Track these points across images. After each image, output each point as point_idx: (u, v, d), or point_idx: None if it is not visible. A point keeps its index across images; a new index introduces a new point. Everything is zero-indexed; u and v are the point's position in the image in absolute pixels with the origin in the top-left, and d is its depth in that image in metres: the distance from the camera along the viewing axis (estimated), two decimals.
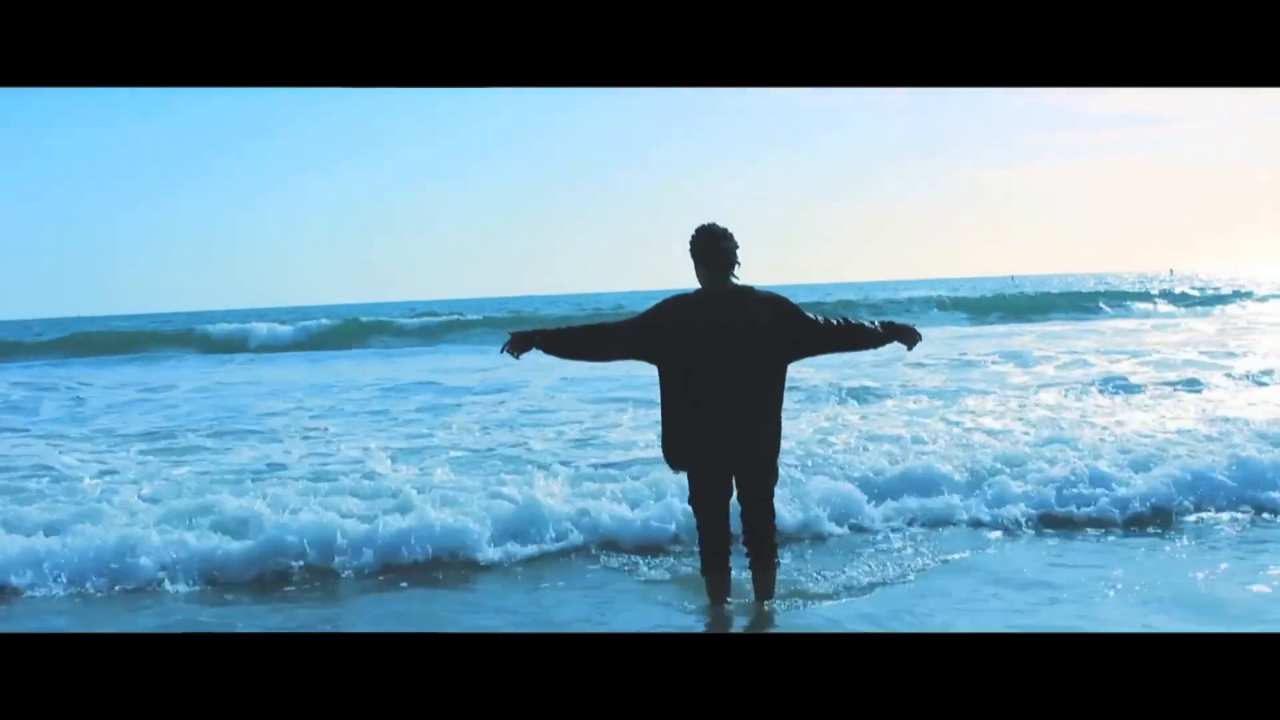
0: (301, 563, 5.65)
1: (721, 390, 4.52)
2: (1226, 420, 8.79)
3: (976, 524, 6.42)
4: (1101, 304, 36.28)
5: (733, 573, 4.87)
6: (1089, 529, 6.30)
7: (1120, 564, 5.46)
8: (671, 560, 5.80)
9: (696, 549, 4.92)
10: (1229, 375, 12.85)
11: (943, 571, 5.48)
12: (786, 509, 6.12)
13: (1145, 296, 39.50)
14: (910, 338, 4.81)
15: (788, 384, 4.71)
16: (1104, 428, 8.72)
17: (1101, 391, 11.55)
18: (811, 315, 4.70)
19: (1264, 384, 12.11)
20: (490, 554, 5.88)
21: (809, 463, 7.44)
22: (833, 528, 6.33)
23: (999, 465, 7.20)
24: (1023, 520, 6.39)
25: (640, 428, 9.54)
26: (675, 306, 4.62)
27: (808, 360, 4.90)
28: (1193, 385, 11.92)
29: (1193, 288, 44.70)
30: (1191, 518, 6.45)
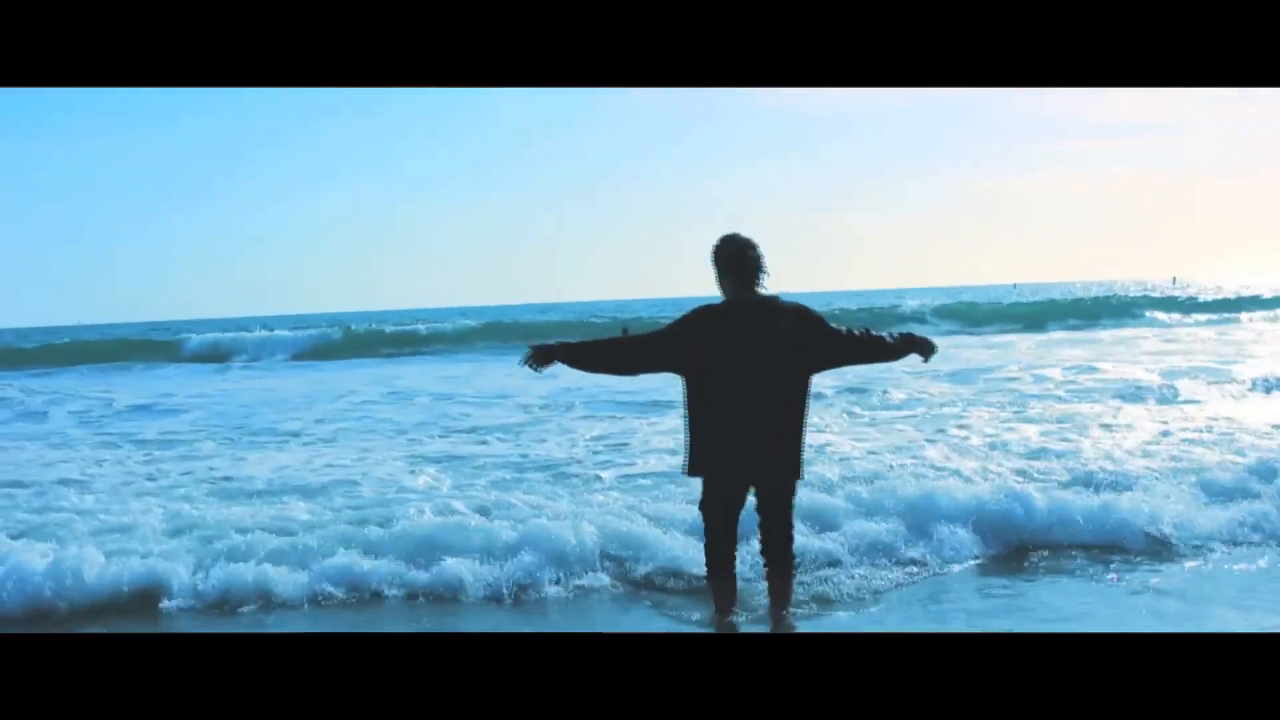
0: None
1: (747, 400, 4.50)
2: None
3: None
4: (1149, 312, 35.52)
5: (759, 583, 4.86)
6: None
7: None
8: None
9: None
10: None
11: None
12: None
13: (1189, 305, 38.18)
14: (927, 350, 4.80)
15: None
16: None
17: None
18: (835, 326, 4.69)
19: None
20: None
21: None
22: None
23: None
24: None
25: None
26: (702, 317, 4.59)
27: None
28: None
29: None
30: None
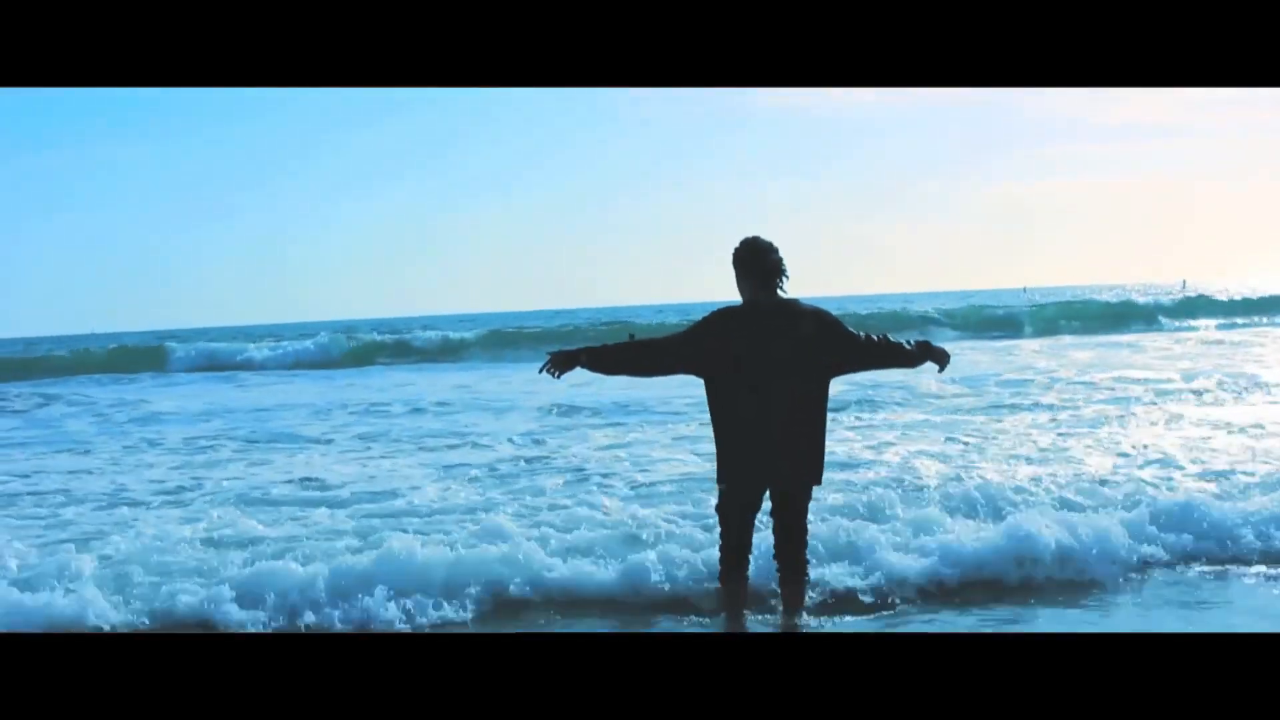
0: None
1: (768, 403, 4.48)
2: None
3: None
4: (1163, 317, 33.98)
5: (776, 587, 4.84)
6: None
7: None
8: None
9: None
10: None
11: None
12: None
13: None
14: (943, 359, 4.80)
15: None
16: None
17: None
18: (853, 330, 4.69)
19: None
20: None
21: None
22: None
23: None
24: None
25: None
26: (722, 320, 4.57)
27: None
28: None
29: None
30: None
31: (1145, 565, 5.47)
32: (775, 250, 4.62)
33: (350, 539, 6.03)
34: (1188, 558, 5.58)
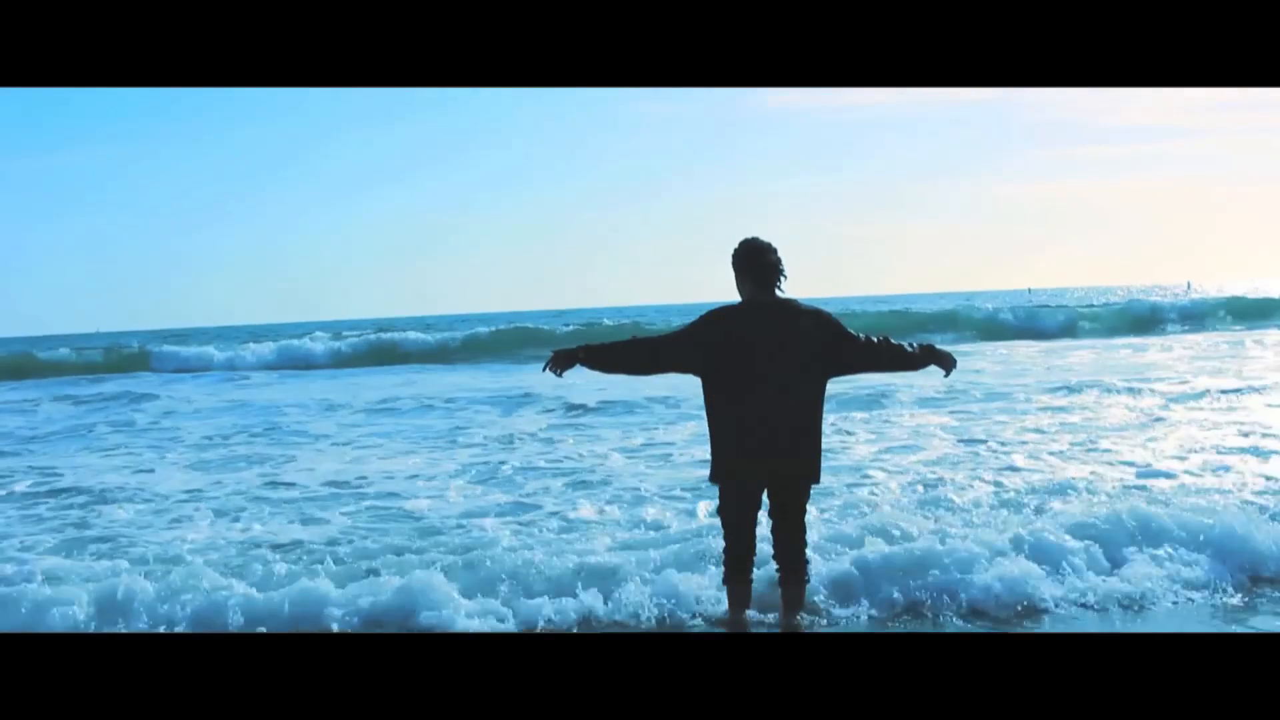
0: None
1: (762, 403, 4.49)
2: None
3: None
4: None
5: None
6: None
7: None
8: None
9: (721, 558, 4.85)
10: None
11: None
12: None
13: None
14: (948, 363, 4.79)
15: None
16: None
17: None
18: (853, 332, 4.69)
19: None
20: None
21: None
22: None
23: None
24: None
25: None
26: (719, 319, 4.59)
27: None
28: None
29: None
30: None
31: None
32: (773, 250, 4.64)
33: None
34: None
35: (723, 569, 4.81)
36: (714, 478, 4.71)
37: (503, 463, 9.24)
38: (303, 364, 28.08)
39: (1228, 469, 7.65)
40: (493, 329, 33.43)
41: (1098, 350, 22.21)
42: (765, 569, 4.89)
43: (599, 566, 5.31)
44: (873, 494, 7.12)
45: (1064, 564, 5.16)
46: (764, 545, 4.86)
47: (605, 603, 4.95)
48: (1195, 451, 8.48)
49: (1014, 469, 8.01)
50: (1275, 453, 8.33)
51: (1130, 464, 8.06)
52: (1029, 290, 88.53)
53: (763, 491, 4.69)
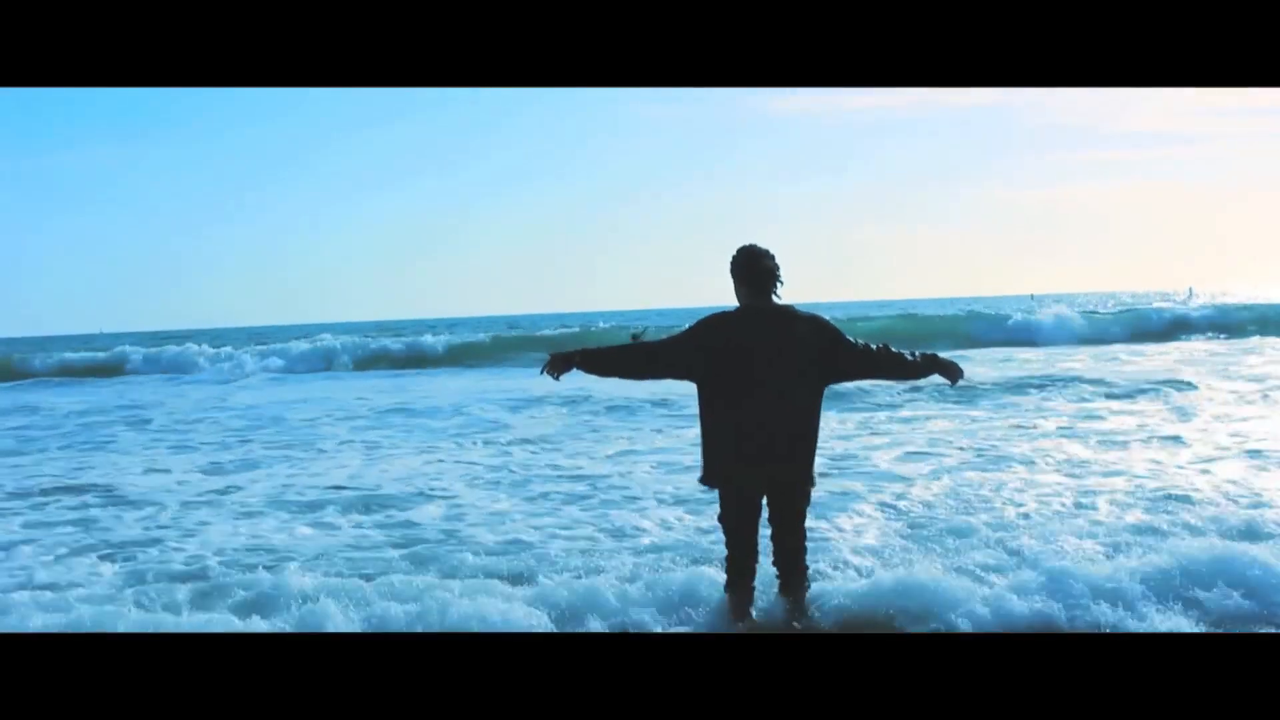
0: None
1: (759, 409, 4.49)
2: None
3: None
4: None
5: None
6: None
7: None
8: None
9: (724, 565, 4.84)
10: None
11: None
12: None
13: None
14: (953, 374, 4.77)
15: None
16: None
17: None
18: (852, 339, 4.68)
19: None
20: None
21: None
22: None
23: None
24: None
25: None
26: (716, 325, 4.59)
27: None
28: None
29: None
30: None
31: None
32: (770, 256, 4.63)
33: None
34: None
35: (725, 574, 4.80)
36: (704, 480, 4.71)
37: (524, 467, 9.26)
38: (318, 367, 28.13)
39: None
40: (491, 335, 33.49)
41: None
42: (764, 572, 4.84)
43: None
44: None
45: None
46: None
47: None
48: None
49: None
50: None
51: None
52: (1032, 296, 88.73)
53: (762, 497, 4.69)
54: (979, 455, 9.18)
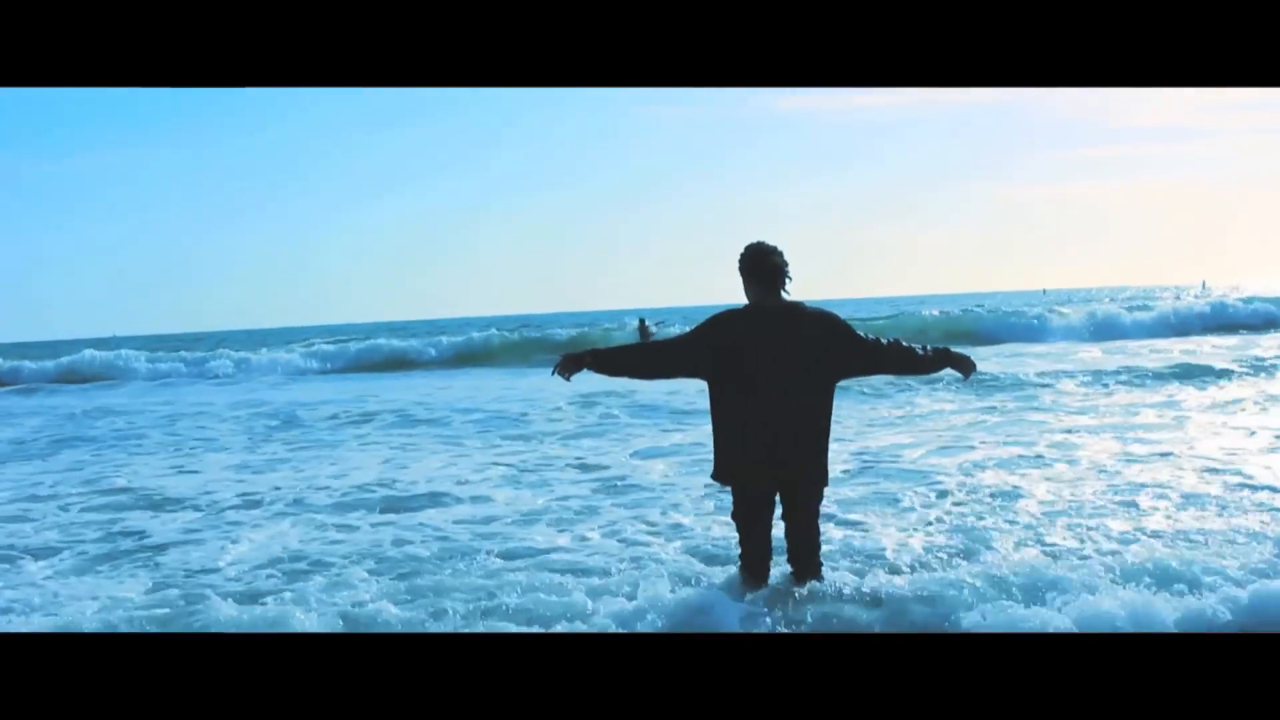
0: None
1: (770, 406, 4.49)
2: None
3: None
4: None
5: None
6: None
7: None
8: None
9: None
10: None
11: None
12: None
13: None
14: (966, 367, 4.76)
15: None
16: None
17: None
18: (863, 334, 4.67)
19: None
20: None
21: None
22: None
23: None
24: None
25: None
26: (725, 322, 4.59)
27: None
28: None
29: None
30: None
31: None
32: (778, 253, 4.63)
33: None
34: None
35: (739, 573, 4.83)
36: (716, 477, 4.72)
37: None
38: (335, 368, 28.42)
39: None
40: (502, 334, 33.48)
41: None
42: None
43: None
44: None
45: None
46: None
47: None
48: None
49: None
50: None
51: None
52: (1044, 291, 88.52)
53: (774, 494, 4.69)
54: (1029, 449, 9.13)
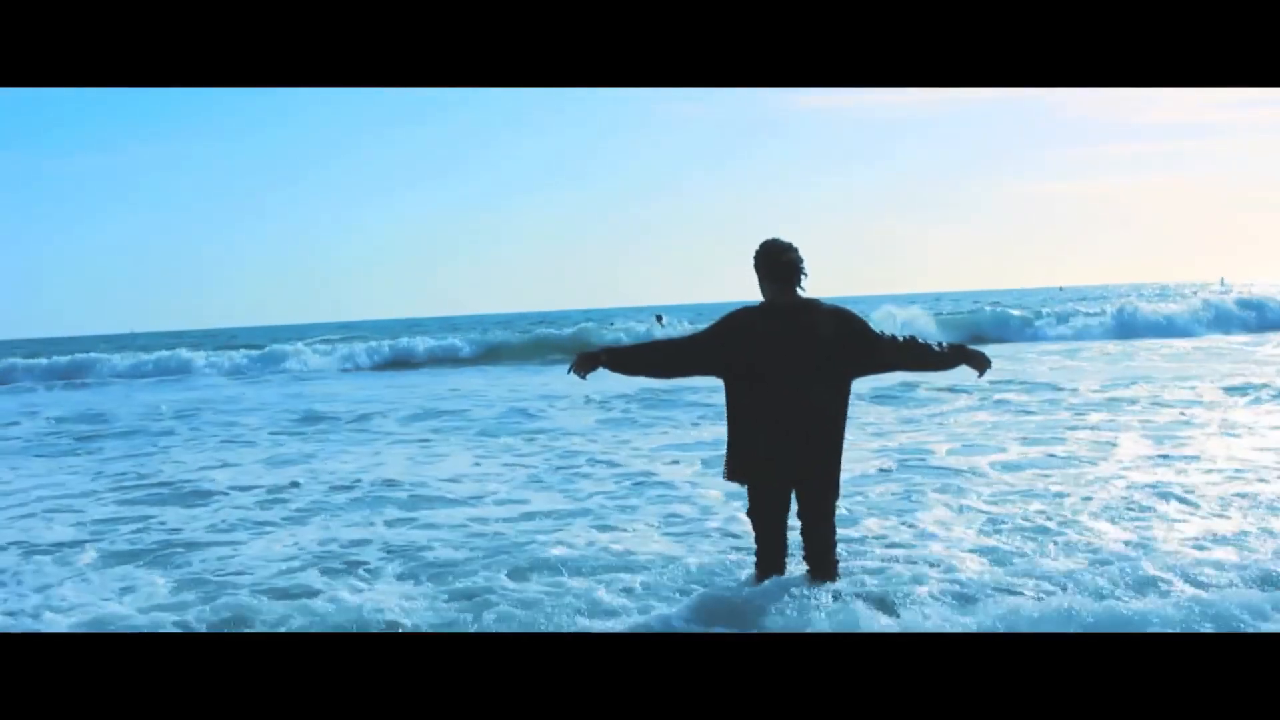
0: None
1: (786, 403, 4.48)
2: None
3: None
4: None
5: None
6: None
7: None
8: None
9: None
10: None
11: None
12: None
13: None
14: (981, 364, 4.74)
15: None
16: None
17: None
18: (878, 331, 4.66)
19: None
20: None
21: None
22: None
23: None
24: None
25: None
26: (741, 320, 4.59)
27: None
28: None
29: None
30: None
31: None
32: (793, 250, 4.61)
33: None
34: None
35: (755, 571, 4.83)
36: (729, 475, 4.71)
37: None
38: (353, 366, 28.53)
39: None
40: (520, 332, 33.49)
41: None
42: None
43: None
44: None
45: None
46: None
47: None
48: None
49: None
50: None
51: None
52: (1060, 288, 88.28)
53: (790, 492, 4.68)
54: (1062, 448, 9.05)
